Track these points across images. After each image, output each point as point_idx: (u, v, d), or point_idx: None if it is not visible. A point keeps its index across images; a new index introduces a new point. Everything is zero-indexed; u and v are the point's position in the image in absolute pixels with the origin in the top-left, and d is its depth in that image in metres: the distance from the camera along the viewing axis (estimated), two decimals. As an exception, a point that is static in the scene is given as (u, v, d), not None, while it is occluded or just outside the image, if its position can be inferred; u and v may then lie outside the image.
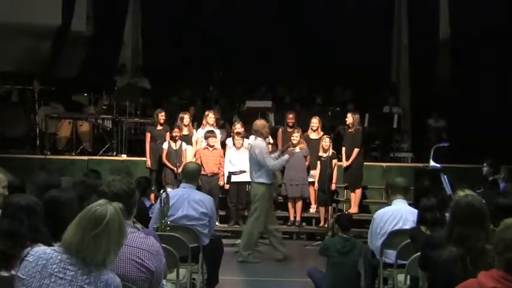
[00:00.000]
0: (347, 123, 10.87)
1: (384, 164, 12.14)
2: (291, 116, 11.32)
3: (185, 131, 10.96)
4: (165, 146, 10.66)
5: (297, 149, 9.66)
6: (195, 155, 10.84)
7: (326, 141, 10.52)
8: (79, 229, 2.91)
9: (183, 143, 10.70)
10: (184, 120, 10.97)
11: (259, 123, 8.70)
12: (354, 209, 10.81)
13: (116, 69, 14.61)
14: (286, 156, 8.76)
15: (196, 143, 11.04)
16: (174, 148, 10.57)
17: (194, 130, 11.25)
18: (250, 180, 8.69)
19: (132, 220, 3.68)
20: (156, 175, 10.77)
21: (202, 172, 10.08)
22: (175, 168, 10.36)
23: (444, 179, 8.72)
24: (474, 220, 3.42)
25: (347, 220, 6.84)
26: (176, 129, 10.59)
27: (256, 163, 8.48)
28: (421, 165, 11.16)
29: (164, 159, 10.59)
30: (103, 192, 3.60)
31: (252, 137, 8.76)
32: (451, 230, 3.49)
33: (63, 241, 2.94)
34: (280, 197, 11.09)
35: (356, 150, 10.68)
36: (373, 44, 15.40)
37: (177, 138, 10.56)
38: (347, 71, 15.20)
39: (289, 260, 8.84)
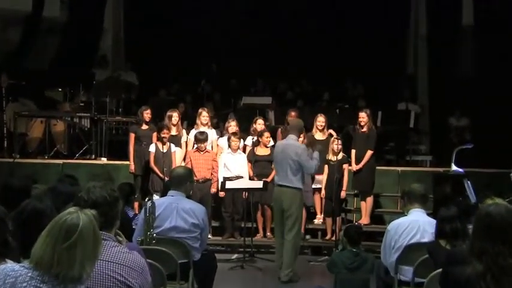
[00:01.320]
0: (361, 122, 10.84)
1: (399, 169, 12.14)
2: (292, 113, 11.33)
3: (173, 131, 10.94)
4: (152, 148, 10.63)
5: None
6: (184, 158, 10.84)
7: (337, 143, 10.48)
8: (49, 241, 2.92)
9: (172, 145, 10.69)
10: (173, 118, 10.95)
11: (297, 121, 9.15)
12: (365, 219, 10.81)
13: (94, 61, 14.61)
14: (316, 154, 8.77)
15: (187, 144, 11.03)
16: (163, 151, 10.54)
17: (183, 130, 11.24)
18: (281, 184, 8.60)
19: (114, 232, 3.68)
20: (140, 181, 10.77)
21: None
22: (163, 176, 10.36)
23: (468, 185, 8.72)
24: (494, 233, 3.39)
25: (356, 232, 6.84)
26: (165, 130, 10.55)
27: (294, 164, 8.45)
28: (441, 169, 11.17)
29: (152, 164, 10.56)
30: (82, 199, 3.60)
31: (292, 136, 8.67)
32: (472, 244, 3.48)
33: (32, 256, 2.95)
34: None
35: (369, 153, 10.68)
36: (387, 33, 15.42)
37: (165, 139, 10.53)
38: (358, 64, 15.21)
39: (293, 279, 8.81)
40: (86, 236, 2.94)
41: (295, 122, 9.05)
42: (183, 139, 11.06)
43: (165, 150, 10.54)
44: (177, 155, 10.78)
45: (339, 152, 10.46)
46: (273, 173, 10.34)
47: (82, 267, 2.92)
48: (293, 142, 8.62)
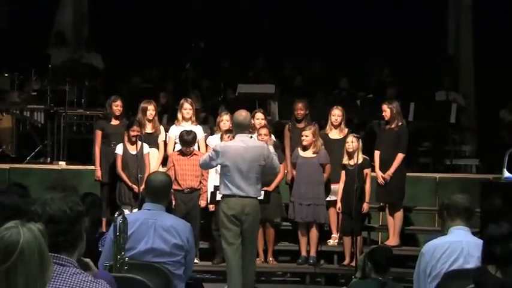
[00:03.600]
0: (384, 117, 10.85)
1: (437, 175, 12.16)
2: (300, 105, 11.33)
3: (148, 128, 10.93)
4: (119, 150, 10.62)
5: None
6: (163, 163, 10.83)
7: (353, 142, 10.48)
8: (-15, 264, 2.92)
9: (145, 146, 10.68)
10: (148, 112, 10.94)
11: (243, 115, 8.81)
12: (393, 239, 10.82)
13: (50, 39, 14.60)
14: (271, 148, 8.96)
15: (165, 145, 11.02)
16: (133, 153, 10.54)
17: (161, 127, 11.23)
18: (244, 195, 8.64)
19: (76, 257, 3.68)
20: (108, 191, 10.78)
21: (176, 187, 10.11)
22: (135, 187, 10.37)
23: (524, 196, 8.74)
24: None
25: (385, 256, 6.84)
26: (135, 127, 10.54)
27: (261, 170, 8.52)
28: (490, 176, 11.18)
29: (119, 170, 10.56)
30: (35, 214, 3.59)
31: (243, 135, 8.70)
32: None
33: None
34: (286, 223, 11.11)
35: (400, 156, 10.64)
36: (422, 3, 15.41)
37: (135, 139, 10.52)
38: (385, 42, 15.20)
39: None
40: (29, 255, 2.93)
41: (240, 117, 8.74)
42: (161, 138, 11.05)
43: (135, 152, 10.52)
44: (152, 157, 10.78)
45: (354, 153, 10.42)
46: (277, 179, 10.40)
47: (27, 295, 2.92)
48: (255, 143, 8.75)
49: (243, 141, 8.58)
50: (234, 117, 8.88)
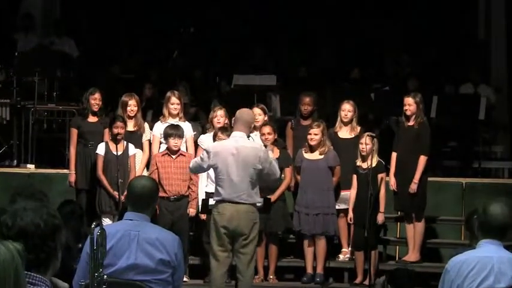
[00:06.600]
0: (406, 112, 10.82)
1: (464, 181, 12.16)
2: (307, 99, 11.33)
3: (130, 126, 10.94)
4: (101, 150, 10.63)
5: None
6: (147, 165, 10.85)
7: (367, 144, 10.48)
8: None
9: (130, 146, 10.70)
10: (129, 108, 10.94)
11: (245, 111, 9.09)
12: (412, 255, 10.82)
13: (16, 22, 14.60)
14: (270, 154, 9.06)
15: (151, 145, 11.03)
16: (116, 154, 10.55)
17: (145, 124, 11.24)
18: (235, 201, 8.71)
19: (49, 277, 3.69)
20: (86, 198, 10.77)
21: (161, 193, 10.11)
22: (113, 191, 10.39)
23: None
24: None
25: (407, 277, 6.86)
26: (119, 123, 10.56)
27: (256, 173, 8.61)
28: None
29: (100, 173, 10.58)
30: (4, 226, 3.59)
31: (240, 134, 8.77)
32: None
33: None
34: (290, 235, 11.13)
35: (422, 159, 10.64)
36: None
37: (119, 137, 10.54)
38: (403, 27, 15.21)
39: None
40: (4, 274, 2.96)
41: (243, 113, 9.02)
42: (145, 137, 11.06)
43: (119, 153, 10.54)
44: (138, 159, 10.79)
45: (368, 156, 10.41)
46: (283, 186, 10.42)
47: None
48: (250, 144, 8.80)
49: (236, 141, 8.68)
50: (238, 113, 9.02)
